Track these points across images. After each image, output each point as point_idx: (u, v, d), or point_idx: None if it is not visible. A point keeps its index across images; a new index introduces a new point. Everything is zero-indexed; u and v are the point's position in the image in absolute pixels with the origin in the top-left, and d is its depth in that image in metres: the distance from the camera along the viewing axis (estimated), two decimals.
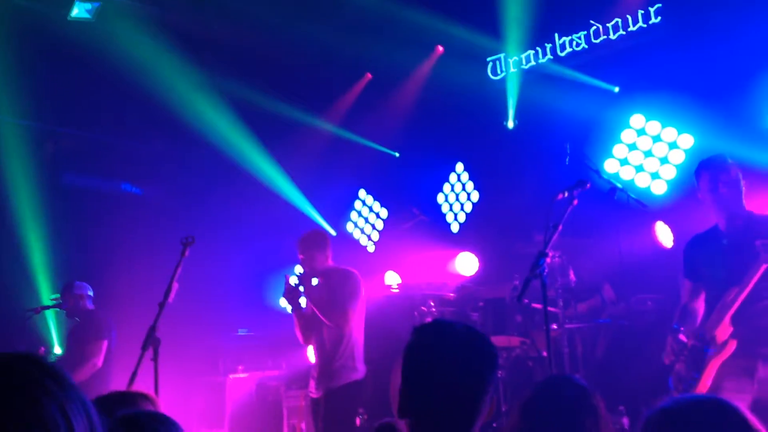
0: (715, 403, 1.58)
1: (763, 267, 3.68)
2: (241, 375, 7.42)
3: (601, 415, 2.50)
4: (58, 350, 7.71)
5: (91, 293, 6.60)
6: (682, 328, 3.98)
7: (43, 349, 6.39)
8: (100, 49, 7.09)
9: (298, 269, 5.53)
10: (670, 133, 6.66)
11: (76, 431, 1.03)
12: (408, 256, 7.95)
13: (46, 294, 7.60)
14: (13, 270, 7.70)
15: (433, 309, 6.59)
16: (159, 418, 1.88)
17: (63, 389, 1.06)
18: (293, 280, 5.38)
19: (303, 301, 5.54)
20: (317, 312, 5.33)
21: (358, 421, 5.91)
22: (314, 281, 5.46)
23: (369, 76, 8.87)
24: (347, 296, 5.32)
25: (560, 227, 4.05)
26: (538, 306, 5.35)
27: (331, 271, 5.51)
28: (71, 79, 7.68)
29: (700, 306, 4.07)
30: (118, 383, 5.41)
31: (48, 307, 6.81)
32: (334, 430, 5.24)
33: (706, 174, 3.99)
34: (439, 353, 2.00)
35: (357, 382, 5.30)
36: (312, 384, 5.49)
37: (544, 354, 5.60)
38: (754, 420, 1.54)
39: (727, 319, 3.79)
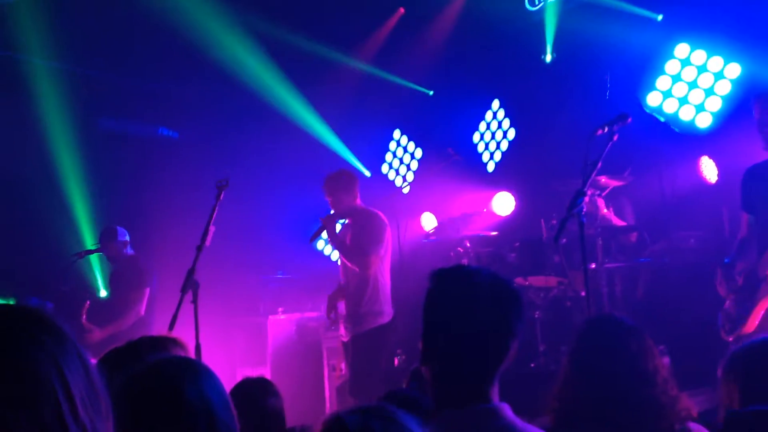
0: None
1: None
2: (281, 316, 7.53)
3: (648, 347, 2.42)
4: (103, 293, 7.89)
5: (128, 238, 6.68)
6: (734, 264, 3.85)
7: (88, 303, 6.46)
8: None
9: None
10: (716, 63, 6.36)
11: (72, 388, 0.98)
12: (444, 196, 7.86)
13: (89, 239, 7.73)
14: (55, 216, 7.83)
15: (470, 250, 6.53)
16: (184, 362, 1.79)
17: (59, 344, 1.01)
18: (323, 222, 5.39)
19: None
20: (340, 255, 5.31)
21: (396, 362, 5.96)
22: (338, 227, 5.44)
23: (402, 10, 8.62)
24: (369, 240, 5.24)
25: (599, 164, 3.93)
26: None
27: (357, 212, 5.42)
28: (105, 21, 7.61)
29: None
30: (159, 329, 5.51)
31: (91, 252, 6.93)
32: (361, 373, 5.27)
33: (762, 106, 3.81)
34: (459, 300, 1.94)
35: (382, 326, 5.29)
36: (341, 327, 5.52)
37: (582, 294, 5.54)
38: None
39: None
